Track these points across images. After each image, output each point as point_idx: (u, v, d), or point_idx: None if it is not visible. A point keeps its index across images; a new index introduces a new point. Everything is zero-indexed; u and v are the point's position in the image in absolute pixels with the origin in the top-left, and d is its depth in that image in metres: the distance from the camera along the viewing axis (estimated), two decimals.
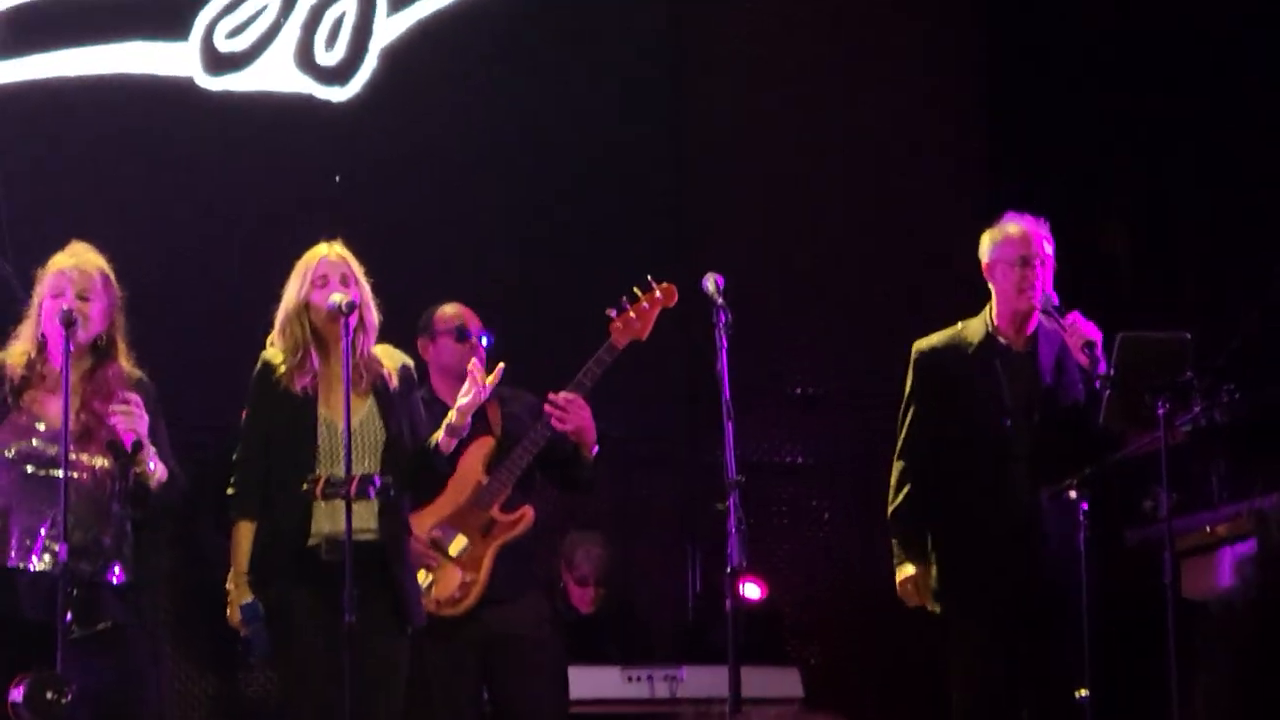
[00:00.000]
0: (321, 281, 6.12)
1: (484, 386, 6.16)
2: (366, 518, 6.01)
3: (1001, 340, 6.68)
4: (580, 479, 6.94)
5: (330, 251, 6.18)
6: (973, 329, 6.73)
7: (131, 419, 5.78)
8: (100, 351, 6.02)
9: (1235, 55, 8.86)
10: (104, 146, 8.47)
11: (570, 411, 6.74)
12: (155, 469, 5.88)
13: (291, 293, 6.16)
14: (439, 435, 6.17)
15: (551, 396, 6.75)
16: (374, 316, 6.15)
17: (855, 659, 8.98)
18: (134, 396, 5.84)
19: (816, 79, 9.37)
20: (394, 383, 6.19)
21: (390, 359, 6.25)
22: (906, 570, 6.65)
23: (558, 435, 6.80)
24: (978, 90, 9.45)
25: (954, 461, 6.65)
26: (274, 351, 6.17)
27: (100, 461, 5.87)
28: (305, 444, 6.06)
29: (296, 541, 6.00)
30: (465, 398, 6.15)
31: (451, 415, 6.16)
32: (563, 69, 9.05)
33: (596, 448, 6.83)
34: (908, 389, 6.78)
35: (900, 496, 6.69)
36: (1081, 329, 6.47)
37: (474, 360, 6.34)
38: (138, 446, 5.79)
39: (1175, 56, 9.14)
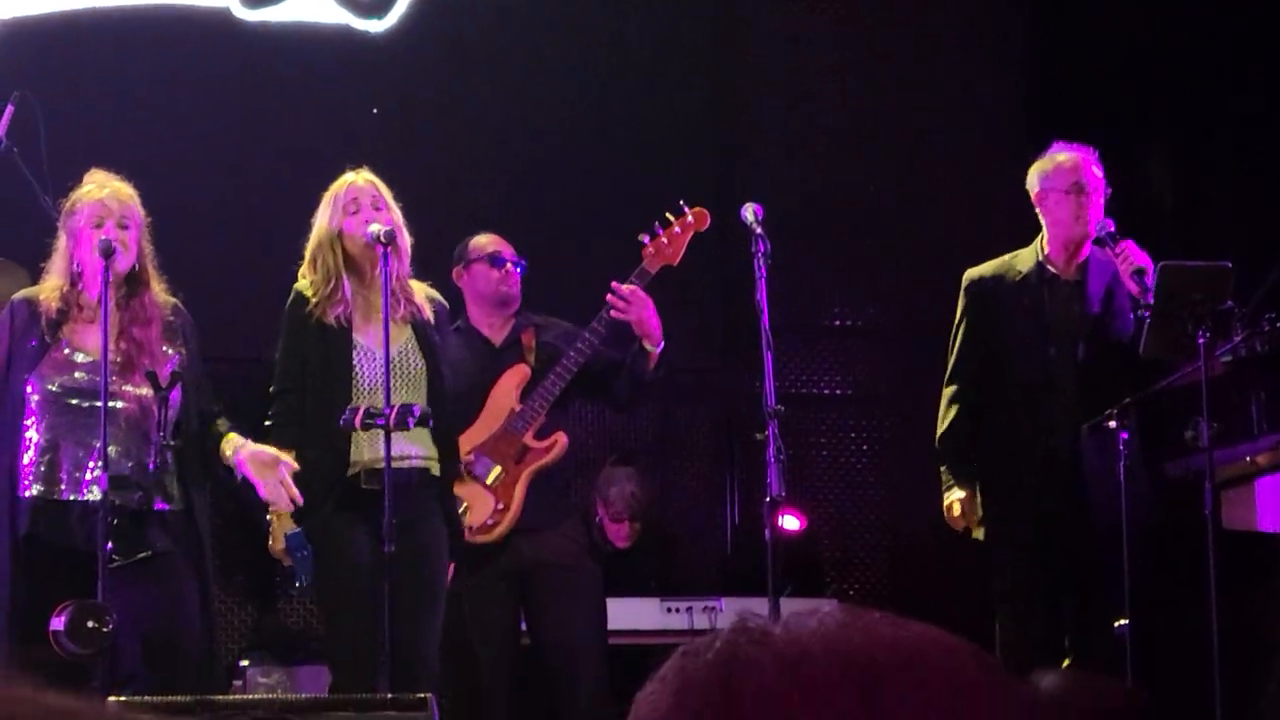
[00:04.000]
0: (353, 208, 6.06)
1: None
2: (421, 444, 6.01)
3: (1050, 269, 6.66)
4: (638, 381, 6.78)
5: (359, 177, 6.13)
6: (1023, 258, 6.73)
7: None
8: (134, 278, 5.95)
9: None
10: (139, 78, 8.44)
11: (633, 302, 6.64)
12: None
13: (323, 221, 6.10)
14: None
15: (615, 285, 6.63)
16: (407, 241, 6.07)
17: (894, 591, 8.96)
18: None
19: (859, 11, 9.30)
20: (428, 314, 6.16)
21: (424, 294, 6.23)
22: (955, 494, 6.65)
23: (599, 350, 6.72)
24: (1018, 26, 9.36)
25: (998, 390, 6.66)
26: (306, 283, 6.12)
27: (144, 390, 5.82)
28: (342, 373, 6.03)
29: (337, 470, 5.98)
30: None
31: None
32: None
33: (663, 343, 6.72)
34: (957, 315, 6.79)
35: (948, 421, 6.70)
36: (1133, 256, 6.43)
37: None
38: (173, 381, 5.78)
39: None
